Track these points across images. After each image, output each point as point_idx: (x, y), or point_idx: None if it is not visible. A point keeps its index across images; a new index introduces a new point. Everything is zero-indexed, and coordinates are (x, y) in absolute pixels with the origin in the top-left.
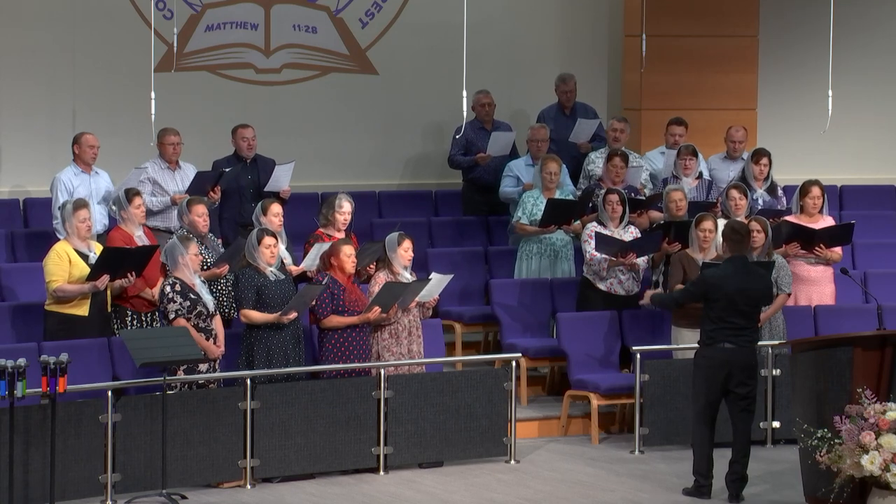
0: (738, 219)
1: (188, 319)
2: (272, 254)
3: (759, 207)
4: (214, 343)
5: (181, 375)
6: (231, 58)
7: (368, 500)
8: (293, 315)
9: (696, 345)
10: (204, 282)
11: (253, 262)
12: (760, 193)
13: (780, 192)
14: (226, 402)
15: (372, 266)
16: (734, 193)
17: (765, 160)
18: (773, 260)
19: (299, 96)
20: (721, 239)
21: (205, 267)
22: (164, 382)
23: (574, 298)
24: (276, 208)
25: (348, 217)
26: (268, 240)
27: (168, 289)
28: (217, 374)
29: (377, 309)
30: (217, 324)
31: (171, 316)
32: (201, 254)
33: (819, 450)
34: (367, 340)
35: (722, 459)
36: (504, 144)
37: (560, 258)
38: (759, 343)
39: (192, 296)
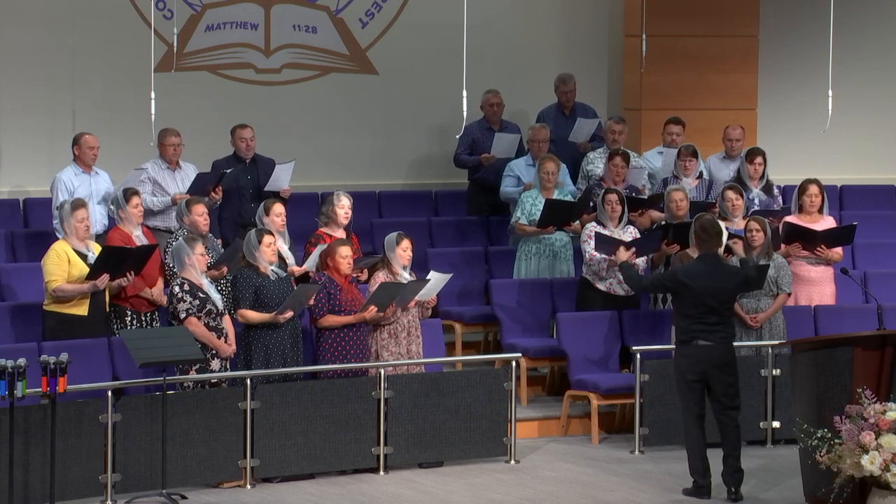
0: (736, 219)
1: (198, 319)
2: (273, 252)
3: (756, 207)
4: (225, 342)
5: (192, 375)
6: (231, 58)
7: (368, 500)
8: (289, 314)
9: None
10: (211, 282)
11: (254, 261)
12: (756, 193)
13: (775, 191)
14: (226, 402)
15: (364, 272)
16: (730, 194)
17: (759, 159)
18: (770, 261)
19: (299, 96)
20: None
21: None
22: (163, 382)
23: (574, 299)
24: (278, 208)
25: (349, 212)
26: (268, 238)
27: (177, 289)
28: (217, 374)
29: (373, 308)
30: (227, 323)
31: (182, 315)
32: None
33: (819, 450)
34: (364, 340)
35: (717, 458)
36: (508, 146)
37: (559, 259)
38: (759, 343)
39: (202, 295)
